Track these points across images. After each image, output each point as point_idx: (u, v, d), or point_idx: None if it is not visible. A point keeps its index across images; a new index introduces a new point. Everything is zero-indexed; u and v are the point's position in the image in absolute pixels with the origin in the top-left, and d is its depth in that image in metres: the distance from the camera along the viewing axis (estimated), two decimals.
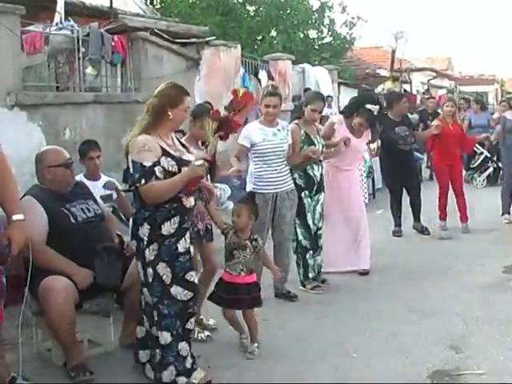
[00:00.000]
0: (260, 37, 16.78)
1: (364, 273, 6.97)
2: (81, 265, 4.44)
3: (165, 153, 4.04)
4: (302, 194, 6.26)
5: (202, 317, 5.28)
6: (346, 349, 4.87)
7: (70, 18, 9.56)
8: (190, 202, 4.17)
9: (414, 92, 23.64)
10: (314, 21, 18.24)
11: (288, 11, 17.11)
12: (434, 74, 27.81)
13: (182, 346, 4.17)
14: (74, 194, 4.73)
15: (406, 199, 9.04)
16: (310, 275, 6.45)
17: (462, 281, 6.65)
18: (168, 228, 4.05)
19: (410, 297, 6.12)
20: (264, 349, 4.85)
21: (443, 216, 9.08)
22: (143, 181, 3.94)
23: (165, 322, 4.10)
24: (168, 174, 4.00)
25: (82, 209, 4.65)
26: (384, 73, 22.41)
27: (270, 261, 5.32)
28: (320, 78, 15.31)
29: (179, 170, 4.03)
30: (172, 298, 4.09)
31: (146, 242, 4.05)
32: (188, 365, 4.19)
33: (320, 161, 6.44)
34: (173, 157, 4.06)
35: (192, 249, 4.31)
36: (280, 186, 5.92)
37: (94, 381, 4.32)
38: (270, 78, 13.30)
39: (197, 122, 5.14)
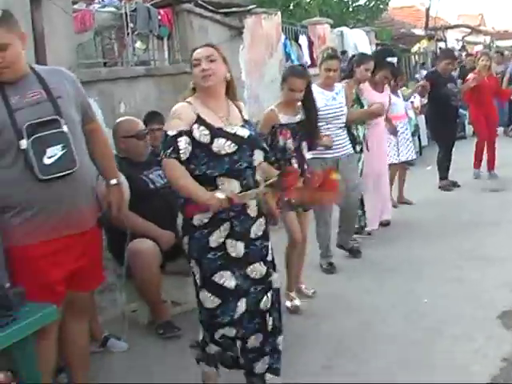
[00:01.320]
0: (295, 2, 16.75)
1: (387, 223, 7.33)
2: (162, 227, 4.67)
3: (199, 120, 3.42)
4: None
5: (302, 285, 5.30)
6: (416, 296, 5.08)
7: None
8: (231, 187, 3.42)
9: None
10: None
11: None
12: (469, 31, 27.50)
13: (211, 348, 3.61)
14: (151, 161, 4.92)
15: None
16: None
17: None
18: (200, 217, 3.41)
19: (468, 246, 6.31)
20: (337, 300, 5.07)
21: (477, 164, 9.59)
22: (162, 152, 3.41)
23: (200, 326, 3.65)
24: (199, 145, 3.39)
25: (159, 175, 4.84)
26: (419, 32, 22.26)
27: None
28: (358, 40, 15.31)
29: (211, 142, 3.38)
30: (200, 304, 3.54)
31: (181, 234, 3.57)
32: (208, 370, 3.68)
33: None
34: (207, 125, 3.42)
35: (234, 243, 3.47)
36: (340, 150, 5.80)
37: (182, 336, 4.56)
38: (310, 42, 13.37)
39: (285, 84, 4.81)
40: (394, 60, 7.22)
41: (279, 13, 12.04)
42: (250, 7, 11.10)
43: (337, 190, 4.09)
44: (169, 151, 3.37)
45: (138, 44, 9.12)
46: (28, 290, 3.02)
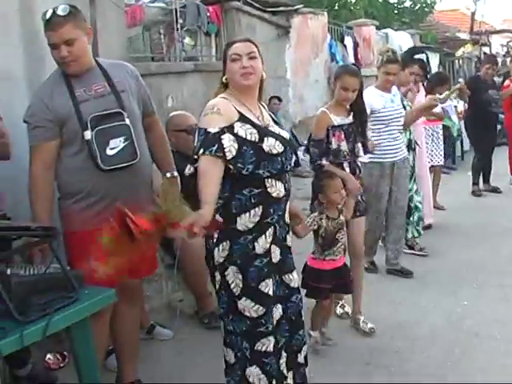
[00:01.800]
0: (341, 3, 16.83)
1: (428, 226, 7.20)
2: None
3: (242, 118, 3.18)
4: None
5: (360, 316, 4.74)
6: (458, 298, 5.14)
7: None
8: (278, 189, 3.21)
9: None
10: None
11: None
12: None
13: (251, 372, 3.28)
14: None
15: None
16: (409, 235, 6.49)
17: None
18: (245, 221, 3.17)
19: (507, 252, 6.34)
20: (379, 297, 5.16)
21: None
22: (201, 150, 3.06)
23: (229, 339, 3.32)
24: (245, 143, 3.12)
25: None
26: (463, 36, 22.15)
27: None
28: (403, 42, 15.32)
29: (261, 140, 3.14)
30: (238, 314, 3.25)
31: (215, 240, 3.22)
32: None
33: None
34: (253, 123, 3.19)
35: (276, 249, 3.30)
36: (397, 154, 5.64)
37: None
38: (355, 43, 13.43)
39: (338, 83, 4.55)
40: (422, 55, 7.14)
41: (326, 13, 12.16)
42: (297, 7, 11.21)
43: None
44: (214, 148, 3.04)
45: (187, 40, 9.30)
46: (84, 275, 3.14)
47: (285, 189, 3.25)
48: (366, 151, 4.79)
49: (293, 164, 3.38)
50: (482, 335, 4.47)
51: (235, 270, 3.19)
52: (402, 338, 4.48)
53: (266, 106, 3.48)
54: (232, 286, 3.20)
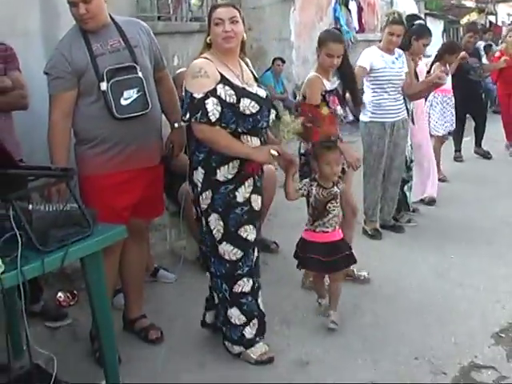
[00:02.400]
0: None
1: (431, 201, 7.02)
2: None
3: (223, 80, 3.45)
4: None
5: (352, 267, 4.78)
6: (446, 253, 5.48)
7: None
8: (252, 143, 3.56)
9: (500, 23, 23.32)
10: None
11: None
12: None
13: (232, 313, 3.72)
14: None
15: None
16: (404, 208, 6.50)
17: None
18: (224, 173, 3.51)
19: (501, 212, 6.64)
20: (371, 252, 5.49)
21: (509, 137, 9.74)
22: (188, 115, 3.44)
23: (213, 282, 3.77)
24: (225, 104, 3.42)
25: None
26: (470, 4, 22.15)
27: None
28: (407, 8, 15.35)
29: (238, 101, 3.44)
30: (219, 257, 3.64)
31: (199, 188, 3.58)
32: (247, 335, 3.76)
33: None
34: (232, 85, 3.47)
35: (256, 197, 3.66)
36: (398, 115, 5.80)
37: None
38: (360, 8, 13.54)
39: (322, 49, 4.51)
40: (422, 20, 6.96)
41: None
42: None
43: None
44: (198, 115, 3.38)
45: (194, 0, 9.46)
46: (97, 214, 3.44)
47: (261, 143, 3.59)
48: (355, 115, 5.12)
49: (273, 118, 3.70)
50: (465, 285, 4.79)
51: (217, 217, 3.56)
52: (389, 286, 4.81)
53: (249, 63, 3.77)
54: (214, 231, 3.59)
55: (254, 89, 3.59)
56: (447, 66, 7.73)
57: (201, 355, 3.83)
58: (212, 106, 3.39)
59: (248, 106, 3.47)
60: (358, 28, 13.39)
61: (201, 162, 3.55)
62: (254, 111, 3.49)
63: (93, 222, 3.21)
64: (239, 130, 3.49)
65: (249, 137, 3.53)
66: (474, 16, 20.94)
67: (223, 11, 3.50)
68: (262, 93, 3.62)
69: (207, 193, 3.55)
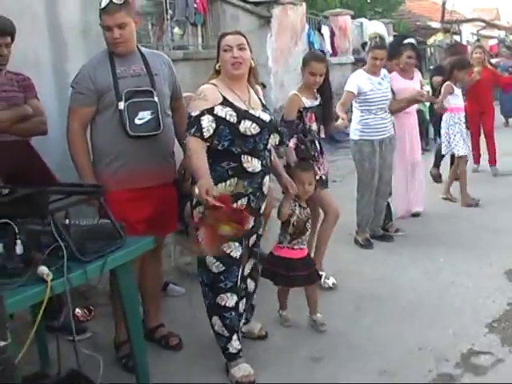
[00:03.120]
0: None
1: (417, 215, 7.30)
2: None
3: (225, 102, 3.67)
4: None
5: (322, 273, 5.08)
6: (434, 257, 5.89)
7: None
8: (253, 165, 3.71)
9: (465, 43, 24.06)
10: None
11: None
12: (484, 25, 28.12)
13: (215, 322, 3.90)
14: None
15: None
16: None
17: None
18: (221, 190, 3.59)
19: (482, 220, 7.09)
20: (363, 257, 5.89)
21: (474, 160, 9.79)
22: (187, 131, 3.68)
23: (202, 289, 3.95)
24: (224, 122, 3.63)
25: None
26: (435, 25, 22.87)
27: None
28: (377, 31, 15.98)
29: (238, 122, 3.63)
30: (205, 267, 3.82)
31: (194, 203, 3.79)
32: (231, 349, 3.91)
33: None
34: (234, 107, 3.67)
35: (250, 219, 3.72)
36: (385, 132, 6.18)
37: None
38: (332, 32, 14.07)
39: (306, 68, 4.98)
40: (412, 40, 7.32)
41: (304, 3, 12.72)
42: None
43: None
44: (193, 130, 3.60)
45: (176, 30, 9.87)
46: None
47: (262, 165, 3.75)
48: (326, 132, 5.29)
49: (277, 143, 3.90)
50: (455, 284, 5.20)
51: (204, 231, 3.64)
52: (383, 289, 5.19)
53: (259, 91, 3.98)
54: (202, 243, 3.67)
55: (258, 113, 3.76)
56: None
57: (219, 360, 4.06)
58: (207, 122, 3.59)
59: (249, 127, 3.65)
60: (331, 52, 13.91)
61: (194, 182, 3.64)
62: (254, 132, 3.67)
63: (123, 234, 3.54)
64: (236, 149, 3.65)
65: (249, 157, 3.69)
66: (439, 36, 21.64)
67: (232, 38, 3.74)
68: (266, 117, 3.79)
69: (200, 208, 3.68)
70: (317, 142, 5.14)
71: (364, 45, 15.17)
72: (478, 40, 24.83)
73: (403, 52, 6.91)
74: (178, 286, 5.37)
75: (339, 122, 5.30)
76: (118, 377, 3.94)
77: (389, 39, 16.66)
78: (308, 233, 4.55)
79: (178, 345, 4.37)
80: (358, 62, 14.05)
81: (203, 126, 3.59)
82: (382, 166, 6.25)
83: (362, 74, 6.13)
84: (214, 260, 3.76)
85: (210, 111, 3.62)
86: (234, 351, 3.89)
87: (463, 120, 8.02)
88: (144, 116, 3.96)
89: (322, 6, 16.43)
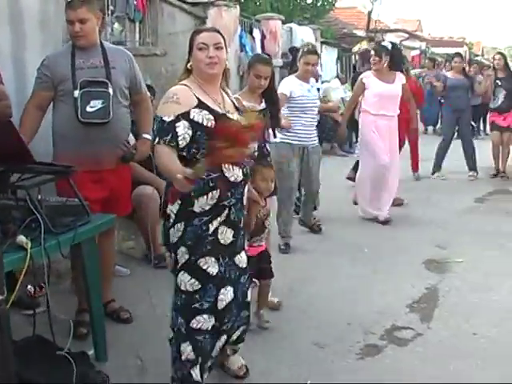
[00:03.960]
0: None
1: (386, 221, 7.45)
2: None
3: (201, 105, 3.34)
4: None
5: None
6: (360, 247, 6.52)
7: None
8: (234, 174, 3.41)
9: None
10: None
11: None
12: (407, 35, 29.20)
13: (185, 349, 3.46)
14: None
15: None
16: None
17: (440, 206, 8.41)
18: (202, 203, 3.34)
19: (403, 213, 7.86)
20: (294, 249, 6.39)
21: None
22: (157, 139, 3.29)
23: (171, 316, 3.58)
24: (201, 128, 3.30)
25: None
26: (360, 33, 23.70)
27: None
28: (305, 36, 16.56)
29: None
30: (176, 288, 3.49)
31: (172, 221, 3.42)
32: (194, 376, 3.48)
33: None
34: (211, 110, 3.36)
35: (225, 229, 3.47)
36: (307, 140, 6.33)
37: None
38: (263, 36, 14.58)
39: (251, 71, 4.98)
40: (389, 45, 7.74)
41: (238, 6, 13.20)
42: None
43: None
44: (168, 138, 3.25)
45: (116, 25, 10.19)
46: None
47: (243, 173, 3.45)
48: (275, 135, 5.43)
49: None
50: (379, 271, 5.84)
51: (184, 251, 3.40)
52: (316, 273, 5.77)
53: (229, 93, 3.68)
54: (179, 261, 3.45)
55: (235, 116, 3.48)
56: None
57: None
58: (183, 129, 3.28)
59: None
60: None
61: (179, 192, 3.26)
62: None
63: (88, 211, 3.93)
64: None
65: (230, 165, 3.38)
66: (364, 44, 22.42)
67: (208, 36, 3.44)
68: (244, 121, 3.41)
69: (179, 225, 3.39)
70: (266, 147, 5.11)
71: (292, 49, 15.82)
72: (401, 50, 25.85)
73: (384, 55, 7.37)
74: (123, 268, 5.74)
75: (283, 122, 5.47)
76: (77, 345, 4.26)
77: (317, 45, 17.38)
78: (267, 230, 4.59)
79: (128, 319, 4.77)
80: (287, 66, 14.65)
81: (179, 133, 3.27)
82: (308, 173, 6.49)
83: (293, 79, 6.33)
84: (189, 277, 3.41)
85: (186, 116, 3.30)
86: (197, 378, 3.51)
87: None
88: (95, 104, 4.32)
89: (254, 9, 16.93)
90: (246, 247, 3.91)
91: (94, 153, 4.38)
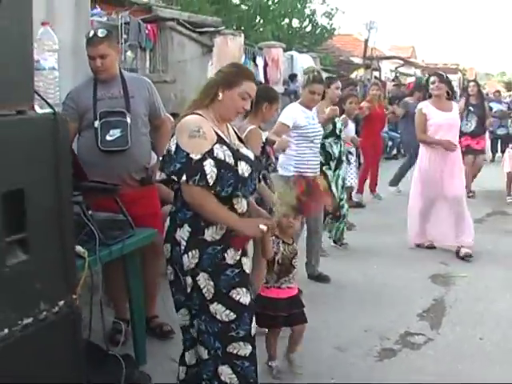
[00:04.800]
0: (251, 25, 18.60)
1: (468, 256, 7.25)
2: None
3: (220, 140, 3.34)
4: (324, 168, 6.59)
5: None
6: (370, 263, 7.04)
7: (97, 6, 11.20)
8: (242, 206, 3.45)
9: (383, 78, 25.62)
10: (297, 11, 20.23)
11: (276, 2, 19.12)
12: (402, 62, 29.88)
13: (223, 370, 3.44)
14: None
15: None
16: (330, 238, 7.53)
17: None
18: (212, 233, 3.35)
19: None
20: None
21: (361, 190, 10.79)
22: (184, 177, 3.25)
23: (202, 338, 3.48)
24: (223, 165, 3.28)
25: None
26: (357, 60, 24.30)
27: None
28: (306, 64, 17.09)
29: (235, 164, 3.31)
30: (211, 316, 3.41)
31: (183, 247, 3.38)
32: None
33: (339, 138, 7.00)
34: (229, 146, 3.37)
35: (247, 261, 3.55)
36: (317, 169, 6.09)
37: None
38: (265, 63, 15.14)
39: (267, 104, 5.10)
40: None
41: (242, 35, 13.77)
42: (220, 28, 12.81)
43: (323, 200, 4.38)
44: (197, 178, 3.23)
45: (129, 53, 10.72)
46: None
47: (247, 204, 3.51)
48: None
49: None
50: (389, 285, 6.32)
51: (206, 277, 3.37)
52: (331, 288, 6.25)
53: (231, 126, 3.69)
54: (204, 290, 3.38)
55: (245, 151, 3.52)
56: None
57: None
58: (210, 168, 3.24)
59: (245, 167, 3.38)
60: (263, 81, 14.95)
61: (188, 219, 3.38)
62: (247, 174, 3.40)
63: (133, 225, 4.38)
64: (239, 193, 3.38)
65: (240, 198, 3.44)
66: (361, 72, 23.08)
67: (252, 87, 3.53)
68: (251, 154, 3.56)
69: (194, 252, 3.37)
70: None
71: (292, 76, 16.40)
72: (397, 77, 26.51)
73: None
74: None
75: (278, 142, 5.40)
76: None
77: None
78: (295, 270, 4.45)
79: (170, 332, 4.99)
80: (290, 94, 15.18)
81: (207, 172, 3.24)
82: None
83: (297, 107, 6.09)
84: (224, 308, 3.40)
85: (211, 154, 3.28)
86: None
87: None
88: (114, 133, 4.63)
89: (255, 37, 17.52)
90: (275, 289, 4.26)
91: (115, 178, 4.64)
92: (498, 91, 21.52)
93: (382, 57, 27.22)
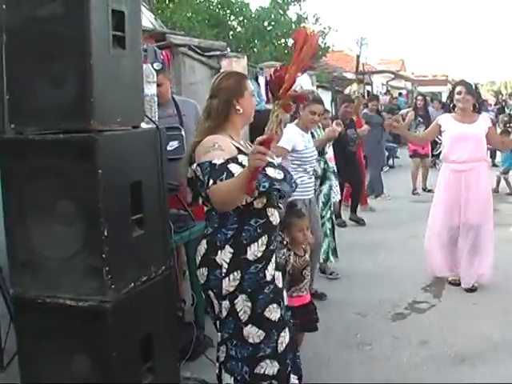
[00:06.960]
0: (249, 46, 19.88)
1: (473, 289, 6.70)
2: None
3: (241, 152, 3.38)
4: None
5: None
6: (377, 254, 8.32)
7: None
8: (275, 217, 3.51)
9: (375, 92, 26.81)
10: (292, 32, 21.47)
11: (272, 23, 20.44)
12: (393, 76, 31.18)
13: None
14: None
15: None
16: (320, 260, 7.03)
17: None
18: (255, 251, 3.39)
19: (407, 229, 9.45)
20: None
21: (363, 203, 11.52)
22: (211, 181, 3.21)
23: (229, 364, 3.51)
24: None
25: None
26: (349, 75, 25.47)
27: None
28: (304, 82, 18.25)
29: (264, 168, 3.18)
30: (243, 340, 3.45)
31: (225, 270, 3.37)
32: None
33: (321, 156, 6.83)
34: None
35: (279, 276, 3.59)
36: (312, 191, 6.17)
37: None
38: (267, 82, 16.32)
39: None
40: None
41: (246, 57, 15.02)
42: (225, 52, 14.09)
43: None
44: (223, 176, 3.19)
45: (155, 66, 11.89)
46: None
47: (279, 215, 3.58)
48: None
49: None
50: (393, 268, 7.61)
51: (245, 298, 3.40)
52: (347, 271, 7.42)
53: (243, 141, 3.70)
54: (240, 313, 3.41)
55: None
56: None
57: None
58: (236, 168, 3.23)
59: (274, 173, 3.35)
60: (265, 99, 16.16)
61: (229, 239, 3.39)
62: (280, 177, 3.38)
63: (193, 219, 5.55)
64: (274, 192, 3.40)
65: (272, 209, 3.52)
66: (354, 86, 24.21)
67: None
68: (275, 161, 3.61)
69: (235, 274, 3.38)
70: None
71: None
72: (388, 91, 27.78)
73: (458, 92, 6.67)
74: None
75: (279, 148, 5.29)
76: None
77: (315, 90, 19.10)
78: (306, 280, 4.63)
79: None
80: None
81: (233, 171, 3.22)
82: (314, 226, 5.97)
83: (295, 129, 6.01)
84: (257, 329, 3.45)
85: (235, 160, 3.30)
86: None
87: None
88: (173, 144, 5.60)
89: (255, 57, 18.77)
90: (287, 298, 4.07)
91: (176, 181, 5.47)
92: (486, 100, 22.82)
93: (374, 71, 28.41)
